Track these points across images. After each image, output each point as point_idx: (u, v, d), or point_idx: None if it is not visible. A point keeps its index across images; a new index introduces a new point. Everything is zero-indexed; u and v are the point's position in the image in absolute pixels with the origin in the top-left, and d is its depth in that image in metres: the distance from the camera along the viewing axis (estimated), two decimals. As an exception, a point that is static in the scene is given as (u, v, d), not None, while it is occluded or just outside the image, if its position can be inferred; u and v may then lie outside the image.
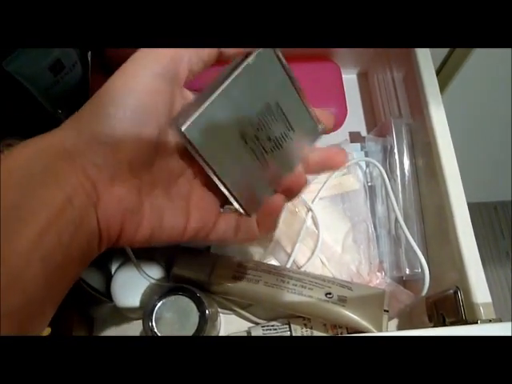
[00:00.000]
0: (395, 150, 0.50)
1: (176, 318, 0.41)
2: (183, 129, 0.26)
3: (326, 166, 0.33)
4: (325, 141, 0.55)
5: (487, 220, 1.15)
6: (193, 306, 0.42)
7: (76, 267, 0.24)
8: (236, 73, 0.28)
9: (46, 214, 0.22)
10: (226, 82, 0.28)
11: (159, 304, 0.41)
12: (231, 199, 0.30)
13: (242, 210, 0.31)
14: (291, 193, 0.32)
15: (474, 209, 1.12)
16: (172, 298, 0.42)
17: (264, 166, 0.30)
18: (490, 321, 0.39)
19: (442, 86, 0.66)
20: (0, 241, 0.20)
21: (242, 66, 0.28)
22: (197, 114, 0.27)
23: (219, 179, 0.29)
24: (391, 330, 0.51)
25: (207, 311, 0.42)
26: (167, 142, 0.28)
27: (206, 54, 0.28)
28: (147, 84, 0.25)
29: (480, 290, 0.40)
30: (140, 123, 0.25)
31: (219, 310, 0.51)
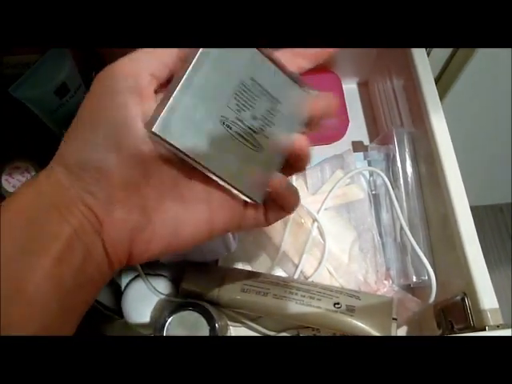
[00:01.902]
0: (398, 159, 0.51)
1: (186, 333, 0.42)
2: (155, 130, 0.25)
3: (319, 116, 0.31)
4: (328, 151, 0.57)
5: (493, 222, 1.15)
6: (203, 321, 0.42)
7: (88, 291, 0.26)
8: (193, 61, 0.27)
9: (56, 246, 0.23)
10: (186, 73, 0.27)
11: (169, 320, 0.42)
12: (233, 190, 0.29)
13: (248, 199, 0.29)
14: (296, 163, 0.31)
15: (480, 211, 1.12)
16: (182, 314, 0.42)
17: (258, 147, 0.29)
18: (498, 326, 0.39)
19: (443, 93, 0.66)
20: (16, 273, 0.22)
21: (198, 53, 0.27)
22: (164, 111, 0.26)
23: (213, 173, 0.28)
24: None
25: (217, 325, 0.42)
26: (155, 152, 0.26)
27: (167, 55, 0.27)
28: (112, 103, 0.25)
29: (487, 296, 0.40)
30: (117, 142, 0.25)
31: (229, 322, 0.51)
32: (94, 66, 0.50)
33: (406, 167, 0.50)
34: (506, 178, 0.93)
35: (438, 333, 0.46)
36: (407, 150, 0.51)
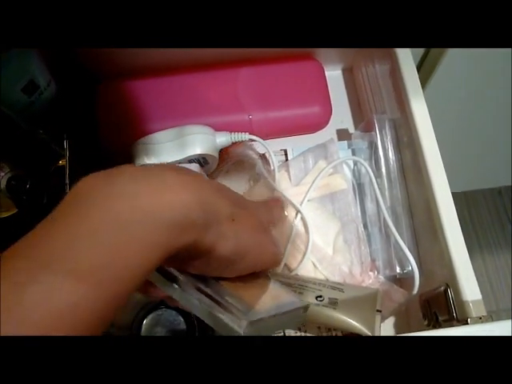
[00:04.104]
0: (379, 147, 0.49)
1: (164, 332, 0.41)
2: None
3: None
4: (311, 140, 0.55)
5: (492, 205, 1.13)
6: (180, 319, 0.41)
7: None
8: None
9: None
10: None
11: (146, 320, 0.41)
12: None
13: None
14: None
15: (479, 195, 1.10)
16: (159, 313, 0.42)
17: None
18: (480, 318, 0.38)
19: (427, 77, 0.64)
20: None
21: None
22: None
23: None
24: (387, 330, 0.51)
25: (195, 322, 0.42)
26: None
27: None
28: None
29: (469, 287, 0.39)
30: None
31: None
32: (64, 60, 0.49)
33: (389, 155, 0.49)
34: (503, 162, 0.92)
35: (424, 324, 0.46)
36: (389, 137, 0.49)
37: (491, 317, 0.38)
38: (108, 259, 0.23)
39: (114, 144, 0.54)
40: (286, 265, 0.51)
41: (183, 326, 0.41)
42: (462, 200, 1.10)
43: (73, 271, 0.22)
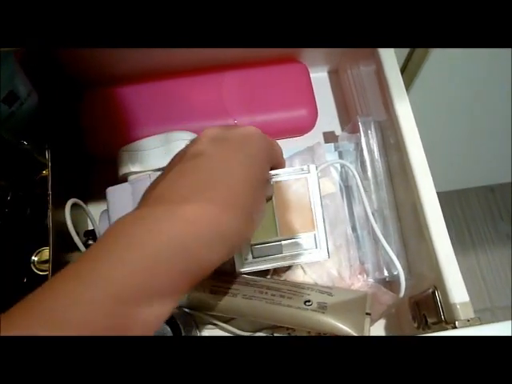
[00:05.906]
0: (365, 149, 0.49)
1: (151, 342, 0.41)
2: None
3: None
4: (300, 143, 0.55)
5: (485, 203, 1.13)
6: (168, 330, 0.41)
7: None
8: None
9: None
10: None
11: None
12: None
13: None
14: None
15: (471, 193, 1.10)
16: (146, 322, 0.41)
17: None
18: (468, 321, 0.38)
19: (412, 77, 0.64)
20: None
21: None
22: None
23: None
24: (378, 332, 0.51)
25: (183, 333, 0.41)
26: None
27: None
28: None
29: (457, 290, 0.39)
30: None
31: (203, 325, 0.50)
32: (47, 68, 0.49)
33: (374, 157, 0.49)
34: (496, 159, 0.92)
35: (414, 326, 0.46)
36: (375, 139, 0.49)
37: (479, 319, 0.38)
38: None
39: (100, 152, 0.54)
40: (275, 270, 0.51)
41: (170, 335, 0.41)
42: (454, 198, 1.09)
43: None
